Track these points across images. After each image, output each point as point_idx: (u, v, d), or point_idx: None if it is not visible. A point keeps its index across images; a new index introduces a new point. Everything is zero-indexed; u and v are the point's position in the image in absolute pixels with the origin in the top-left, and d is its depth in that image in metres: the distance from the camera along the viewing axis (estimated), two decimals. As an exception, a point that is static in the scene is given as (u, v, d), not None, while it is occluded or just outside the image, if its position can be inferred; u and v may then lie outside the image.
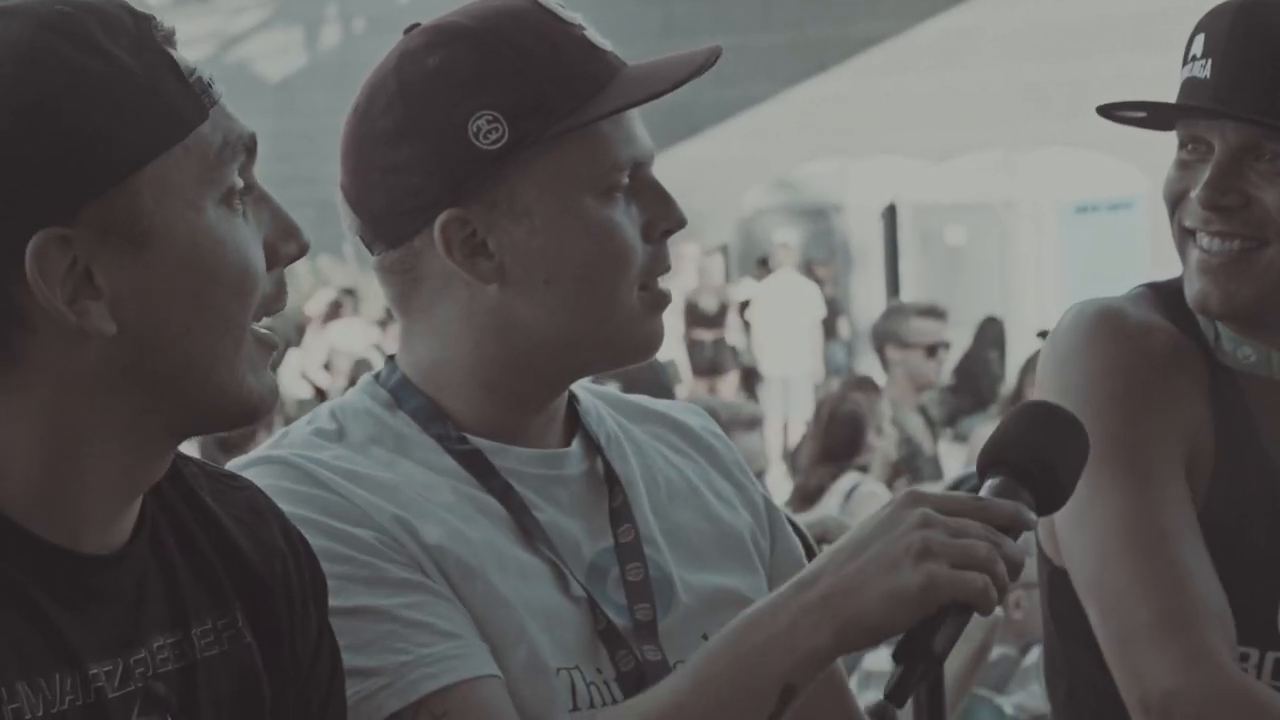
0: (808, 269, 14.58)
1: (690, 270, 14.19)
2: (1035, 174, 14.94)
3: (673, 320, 12.19)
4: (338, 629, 1.35)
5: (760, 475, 4.73)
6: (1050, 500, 1.33)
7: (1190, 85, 1.71)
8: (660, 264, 1.51)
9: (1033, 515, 1.31)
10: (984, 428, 10.50)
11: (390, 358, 1.57)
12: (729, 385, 13.83)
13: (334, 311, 13.45)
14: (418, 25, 1.48)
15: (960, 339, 11.69)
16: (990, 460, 1.33)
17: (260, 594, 1.27)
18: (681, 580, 1.54)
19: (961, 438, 11.13)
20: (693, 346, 13.89)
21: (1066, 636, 1.84)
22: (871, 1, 18.38)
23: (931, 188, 15.60)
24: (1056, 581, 1.80)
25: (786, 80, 18.57)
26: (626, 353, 1.54)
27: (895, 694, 1.27)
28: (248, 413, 1.19)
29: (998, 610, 1.75)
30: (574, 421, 1.56)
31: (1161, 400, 1.72)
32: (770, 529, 1.66)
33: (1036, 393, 1.79)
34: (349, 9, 22.18)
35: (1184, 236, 1.73)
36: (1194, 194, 1.69)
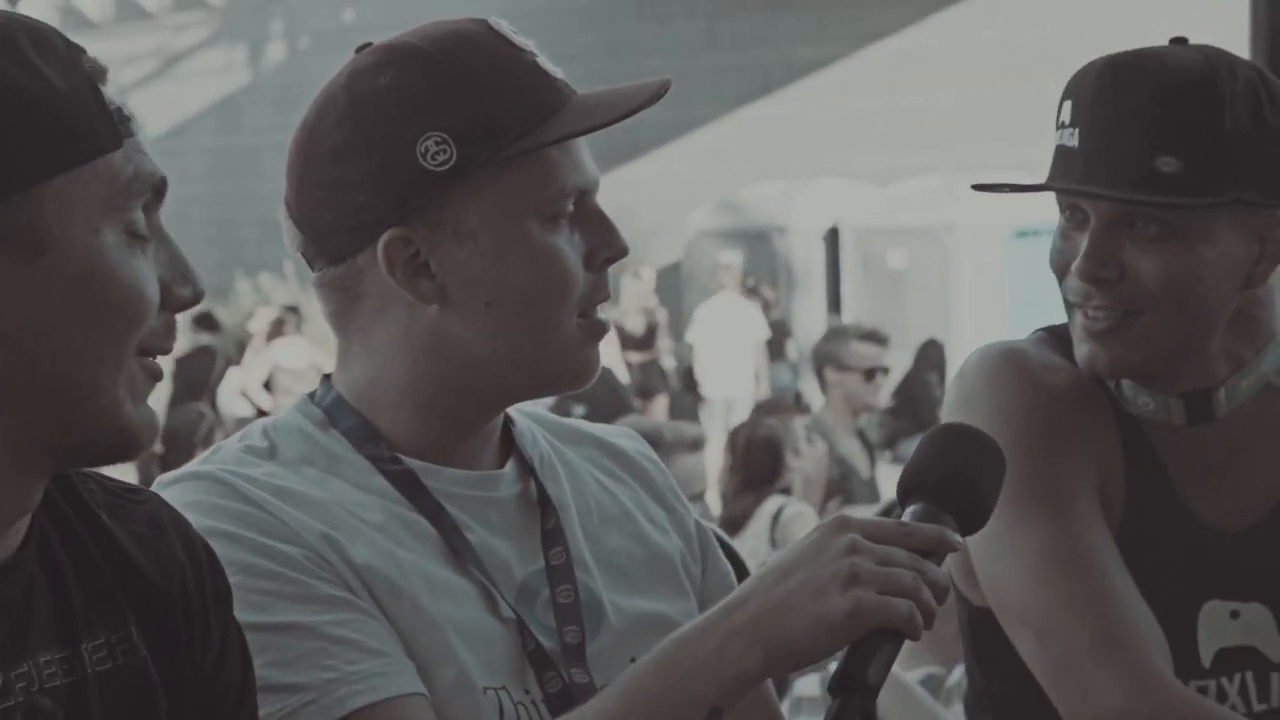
0: (752, 290, 14.53)
1: (632, 291, 14.23)
2: (977, 198, 14.06)
3: (608, 341, 13.62)
4: (263, 644, 1.35)
5: (701, 496, 4.67)
6: (972, 520, 1.35)
7: (1061, 155, 1.72)
8: (600, 293, 1.51)
9: (958, 538, 1.32)
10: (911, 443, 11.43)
11: (326, 377, 1.56)
12: (659, 408, 13.65)
13: (276, 329, 13.33)
14: (369, 44, 1.47)
15: (900, 361, 11.66)
16: (909, 487, 1.35)
17: (156, 607, 1.26)
18: (611, 604, 1.54)
19: (900, 460, 10.37)
20: (628, 369, 13.61)
21: (990, 675, 1.85)
22: (816, 25, 18.29)
23: (874, 211, 15.69)
24: (977, 620, 1.82)
25: (731, 102, 18.57)
26: (563, 379, 1.55)
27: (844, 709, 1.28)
28: (125, 443, 1.20)
29: None
30: (509, 443, 1.56)
31: (1070, 436, 1.75)
32: (701, 553, 1.65)
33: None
34: (294, 27, 21.99)
35: (1069, 305, 1.75)
36: (1074, 266, 1.71)
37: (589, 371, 1.56)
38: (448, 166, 1.44)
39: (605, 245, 1.50)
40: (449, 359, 1.51)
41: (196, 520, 1.41)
